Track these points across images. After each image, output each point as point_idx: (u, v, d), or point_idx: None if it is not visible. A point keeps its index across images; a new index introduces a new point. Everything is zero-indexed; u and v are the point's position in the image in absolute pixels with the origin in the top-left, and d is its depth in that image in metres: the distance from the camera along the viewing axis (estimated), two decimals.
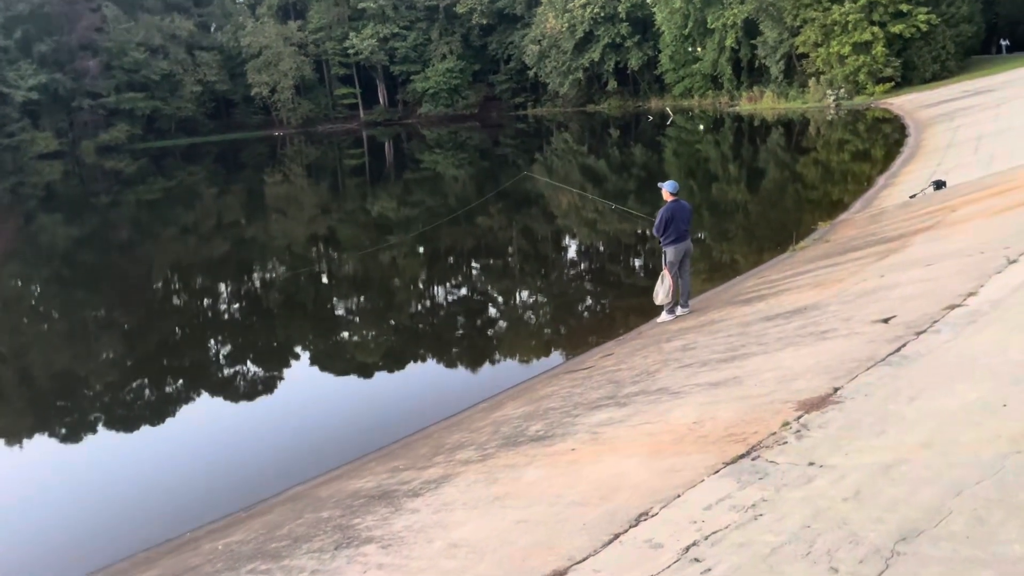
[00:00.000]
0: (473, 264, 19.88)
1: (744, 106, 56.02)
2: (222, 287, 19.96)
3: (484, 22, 74.83)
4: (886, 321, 6.15)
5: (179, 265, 22.67)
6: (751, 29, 56.43)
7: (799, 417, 4.47)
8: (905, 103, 41.00)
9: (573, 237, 22.01)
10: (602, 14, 65.87)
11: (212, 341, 14.99)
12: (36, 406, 12.06)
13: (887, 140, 31.32)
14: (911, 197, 16.01)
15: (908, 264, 8.72)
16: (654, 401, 5.87)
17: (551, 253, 19.96)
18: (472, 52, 77.21)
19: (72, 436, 10.63)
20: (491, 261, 20.02)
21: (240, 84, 73.74)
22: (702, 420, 4.98)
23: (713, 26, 58.23)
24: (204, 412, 11.10)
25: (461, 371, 11.66)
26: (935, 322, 5.68)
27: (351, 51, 74.18)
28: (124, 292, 19.73)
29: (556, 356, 11.39)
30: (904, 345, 5.34)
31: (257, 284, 19.77)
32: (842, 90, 49.28)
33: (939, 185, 15.82)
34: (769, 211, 22.39)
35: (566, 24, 66.58)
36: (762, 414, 4.70)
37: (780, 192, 25.55)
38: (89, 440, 10.40)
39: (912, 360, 5.02)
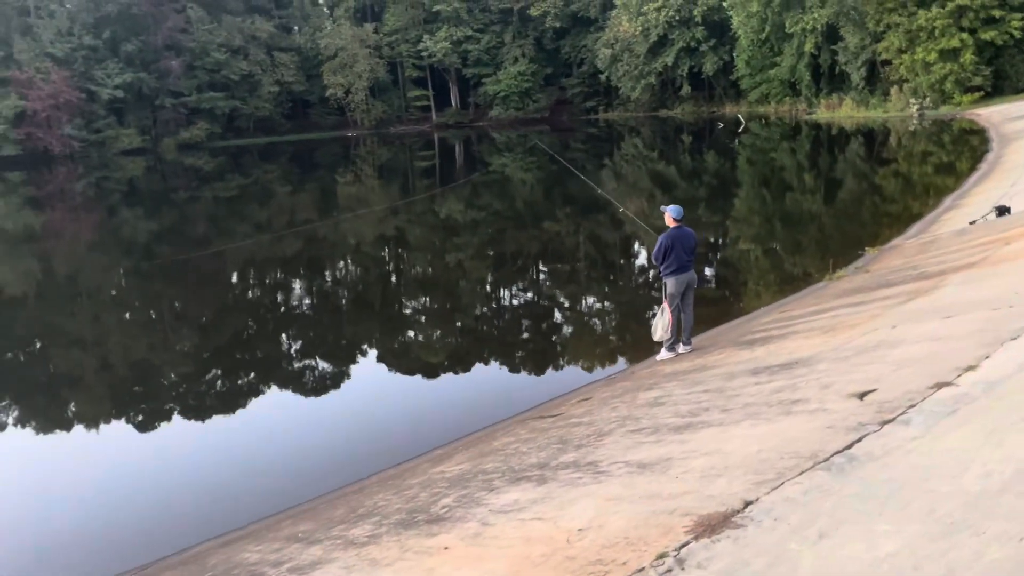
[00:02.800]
0: (475, 274, 19.70)
1: (822, 114, 54.46)
2: (291, 284, 20.26)
3: (557, 25, 74.65)
4: (862, 397, 5.56)
5: (252, 261, 23.14)
6: (831, 34, 54.86)
7: (683, 545, 3.82)
8: (993, 114, 39.18)
9: (612, 248, 21.61)
10: (677, 18, 64.97)
11: (278, 337, 15.19)
12: (113, 393, 12.39)
13: (974, 153, 29.95)
14: (971, 223, 14.61)
15: (928, 313, 8.14)
16: (572, 482, 5.47)
17: (580, 264, 19.61)
18: (544, 55, 77.09)
19: (142, 424, 10.84)
20: (502, 271, 19.80)
21: (316, 85, 75.25)
22: (589, 528, 4.43)
23: (792, 31, 56.81)
24: (260, 409, 11.20)
25: (440, 402, 10.88)
26: (911, 407, 5.02)
27: (425, 53, 74.93)
28: (198, 286, 20.22)
29: (541, 391, 10.23)
30: (860, 440, 4.67)
31: (315, 281, 19.99)
32: (927, 99, 47.46)
33: (1002, 211, 14.19)
34: (837, 226, 21.61)
35: (640, 27, 65.89)
36: (651, 531, 4.13)
37: (856, 204, 24.64)
38: (150, 429, 10.60)
39: (856, 466, 4.34)
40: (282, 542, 6.10)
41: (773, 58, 60.99)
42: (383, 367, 12.69)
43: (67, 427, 11.04)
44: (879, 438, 4.63)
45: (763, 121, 57.44)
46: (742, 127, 54.08)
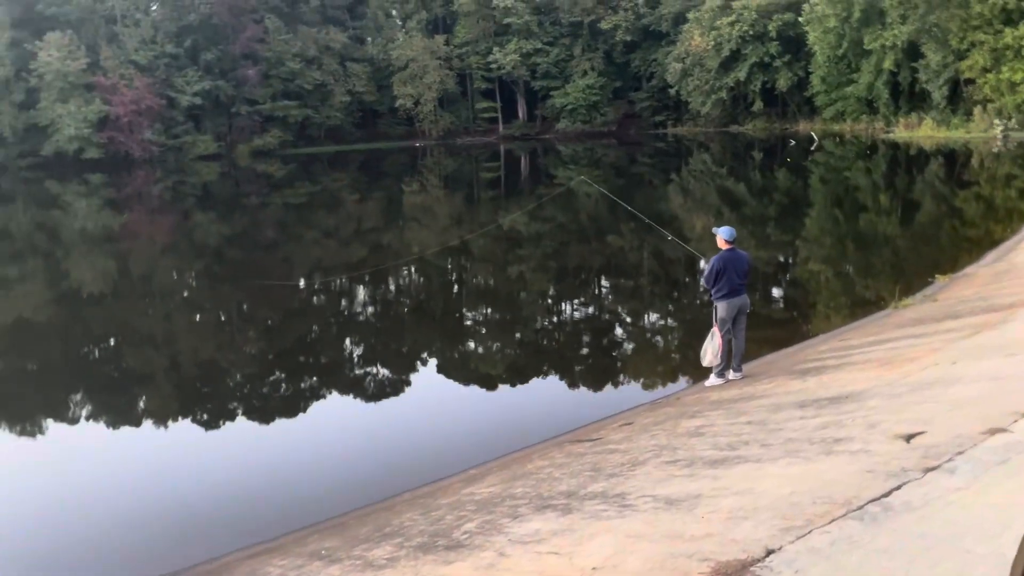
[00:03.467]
0: (534, 288, 19.44)
1: (900, 133, 52.78)
2: (353, 291, 20.44)
3: (628, 39, 74.28)
4: (909, 439, 5.20)
5: (318, 266, 23.47)
6: (912, 51, 53.19)
7: None
8: None
9: (674, 265, 21.10)
10: (751, 32, 63.94)
11: (333, 345, 15.28)
12: (168, 395, 12.61)
13: None
14: None
15: (991, 349, 7.65)
16: (596, 514, 5.24)
17: (639, 282, 19.19)
18: (614, 68, 76.78)
19: (190, 427, 10.97)
20: (562, 287, 19.51)
21: (386, 95, 76.45)
22: (603, 567, 4.22)
23: (870, 47, 55.29)
24: (307, 417, 11.22)
25: (484, 418, 10.69)
26: (959, 453, 4.65)
27: (494, 65, 75.45)
28: (266, 289, 20.56)
29: (584, 411, 9.96)
30: (899, 488, 4.34)
31: (376, 290, 20.11)
32: (1012, 120, 45.56)
33: None
34: (911, 250, 20.79)
35: (712, 42, 65.05)
36: None
37: (933, 228, 23.71)
38: (196, 432, 10.71)
39: (890, 517, 4.02)
40: (305, 559, 6.05)
41: (850, 75, 59.45)
42: (433, 379, 12.62)
43: (114, 426, 11.27)
44: (920, 487, 4.33)
45: (838, 139, 55.98)
46: (815, 145, 52.80)
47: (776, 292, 17.36)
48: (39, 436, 10.95)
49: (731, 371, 9.59)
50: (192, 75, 68.43)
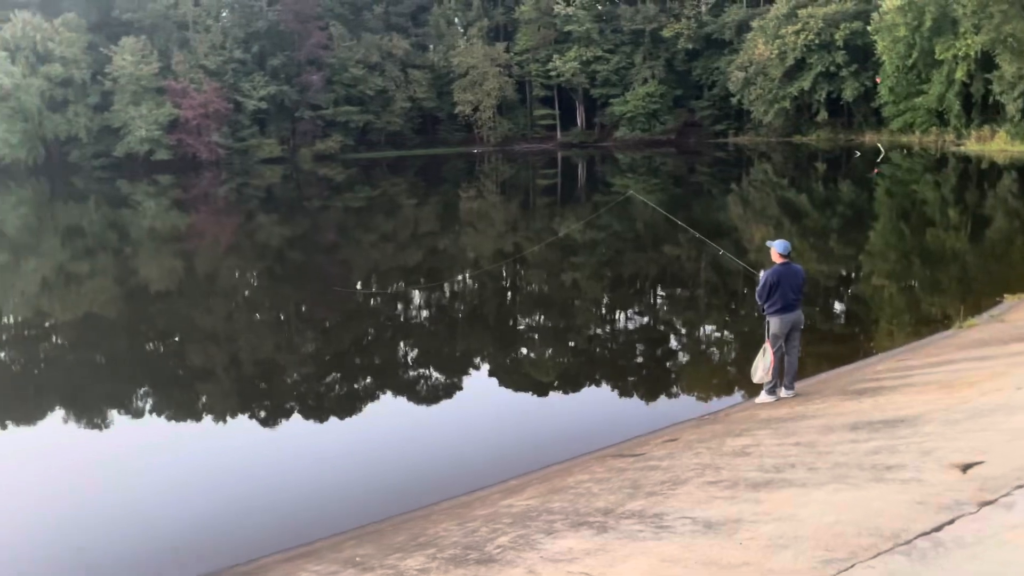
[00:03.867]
0: (591, 298, 19.25)
1: (972, 146, 51.07)
2: (409, 295, 20.64)
3: (690, 47, 73.53)
4: (965, 470, 4.93)
5: (375, 269, 23.79)
6: (986, 62, 51.43)
7: None
8: None
9: (732, 277, 20.73)
10: (817, 41, 62.68)
11: (386, 348, 15.44)
12: (236, 390, 12.91)
13: None
14: None
15: None
16: (632, 535, 5.09)
17: (694, 293, 18.87)
18: (674, 77, 76.08)
19: (240, 425, 11.20)
20: (619, 296, 19.29)
21: (446, 102, 77.18)
22: None
23: (942, 57, 53.66)
24: (355, 420, 11.34)
25: (529, 427, 10.58)
26: (1020, 487, 4.38)
27: (553, 73, 75.50)
28: (324, 291, 20.93)
29: (630, 424, 9.78)
30: (952, 522, 4.10)
31: (431, 294, 20.26)
32: None
33: None
34: (980, 267, 20.05)
35: (776, 51, 63.96)
36: None
37: (1004, 245, 22.83)
38: (246, 431, 10.92)
39: (940, 554, 3.77)
40: (339, 565, 6.07)
41: (920, 85, 57.77)
42: (481, 385, 12.65)
43: (169, 422, 11.55)
44: (974, 522, 4.11)
45: (905, 151, 54.45)
46: (882, 157, 51.46)
47: (835, 307, 16.96)
48: (99, 429, 11.32)
49: (783, 389, 9.37)
50: (258, 80, 70.12)
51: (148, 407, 12.28)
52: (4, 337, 17.69)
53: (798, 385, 9.56)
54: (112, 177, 60.53)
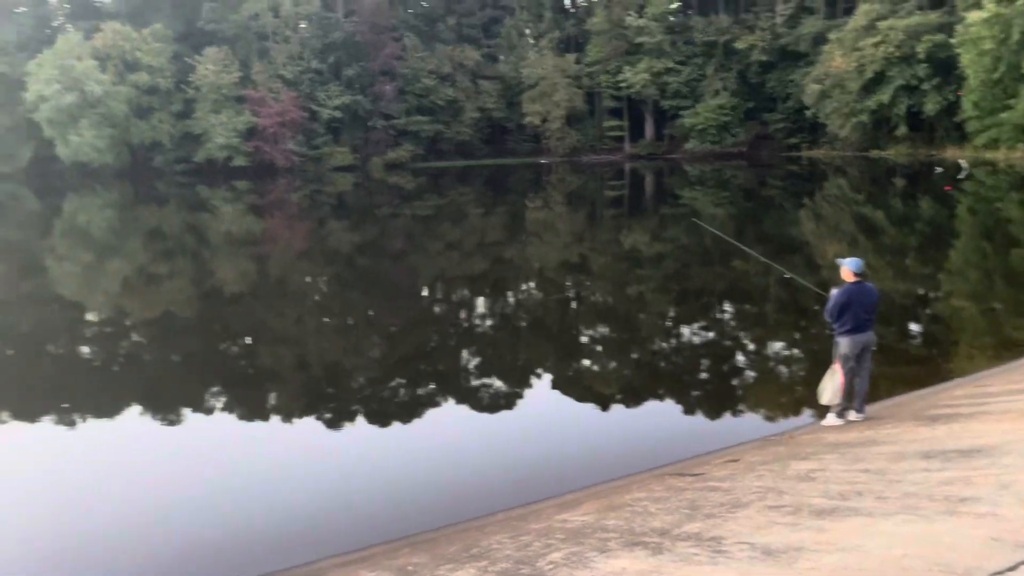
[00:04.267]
0: (659, 310, 18.92)
1: None
2: (473, 303, 20.79)
3: (764, 59, 72.30)
4: None
5: (441, 277, 24.05)
6: None
7: None
8: None
9: (802, 294, 20.17)
10: (897, 54, 60.86)
11: (451, 355, 15.56)
12: (302, 392, 13.20)
13: None
14: None
15: None
16: (687, 558, 4.91)
17: (762, 309, 18.40)
18: (747, 89, 74.90)
19: (321, 423, 11.41)
20: (689, 310, 18.93)
21: (515, 112, 77.62)
22: None
23: None
24: (418, 424, 11.43)
25: (589, 440, 10.47)
26: None
27: (623, 84, 75.20)
28: (391, 297, 21.26)
29: (691, 442, 9.64)
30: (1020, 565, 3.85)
31: (496, 302, 20.32)
32: None
33: None
34: None
35: (854, 63, 62.34)
36: None
37: None
38: (308, 433, 11.11)
39: None
40: (392, 573, 6.09)
41: (1006, 100, 55.44)
42: (543, 396, 12.59)
43: (236, 422, 11.83)
44: None
45: (990, 168, 52.35)
46: (965, 173, 49.57)
47: (911, 327, 16.37)
48: (171, 424, 11.70)
49: (852, 411, 9.08)
50: (334, 90, 71.80)
51: (217, 406, 12.65)
52: (87, 334, 18.48)
53: (869, 408, 9.26)
54: (192, 182, 62.75)
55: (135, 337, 18.20)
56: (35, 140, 68.47)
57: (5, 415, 12.00)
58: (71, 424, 11.69)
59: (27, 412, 12.12)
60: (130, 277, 25.57)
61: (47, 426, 11.56)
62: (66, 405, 12.48)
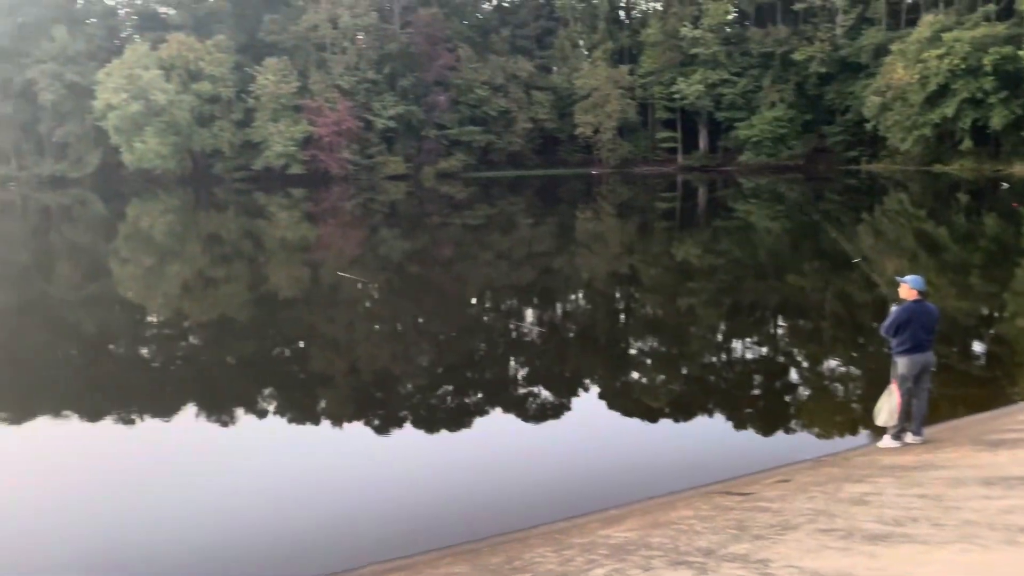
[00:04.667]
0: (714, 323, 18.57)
1: None
2: (522, 311, 20.76)
3: (823, 70, 71.06)
4: None
5: (490, 285, 24.11)
6: None
7: None
8: None
9: (861, 310, 19.66)
10: (962, 66, 59.18)
11: (499, 364, 15.55)
12: (350, 397, 13.34)
13: None
14: None
15: None
16: None
17: (818, 325, 17.95)
18: (805, 101, 73.66)
19: (369, 429, 11.51)
20: (741, 325, 18.55)
21: (567, 123, 77.66)
22: None
23: None
24: (463, 434, 11.43)
25: (634, 454, 10.35)
26: None
27: (677, 96, 74.65)
28: (440, 304, 21.39)
29: (740, 460, 9.43)
30: None
31: (545, 311, 20.27)
32: None
33: None
34: None
35: (917, 75, 60.85)
36: None
37: None
38: (353, 439, 11.19)
39: None
40: None
41: None
42: (589, 408, 12.50)
43: (286, 425, 11.99)
44: None
45: None
46: None
47: (973, 348, 15.83)
48: (224, 425, 11.93)
49: (909, 434, 8.82)
50: (388, 100, 72.80)
51: (268, 409, 12.85)
52: (146, 334, 18.99)
53: (927, 431, 8.97)
54: (250, 189, 64.18)
55: (192, 339, 18.63)
56: (102, 147, 70.96)
57: (68, 412, 12.38)
58: (129, 422, 12.00)
59: (89, 410, 12.49)
60: (189, 280, 26.22)
61: (107, 424, 11.89)
62: (125, 404, 12.82)
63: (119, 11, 79.49)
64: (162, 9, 78.64)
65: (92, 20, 76.93)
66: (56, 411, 12.43)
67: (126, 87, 64.56)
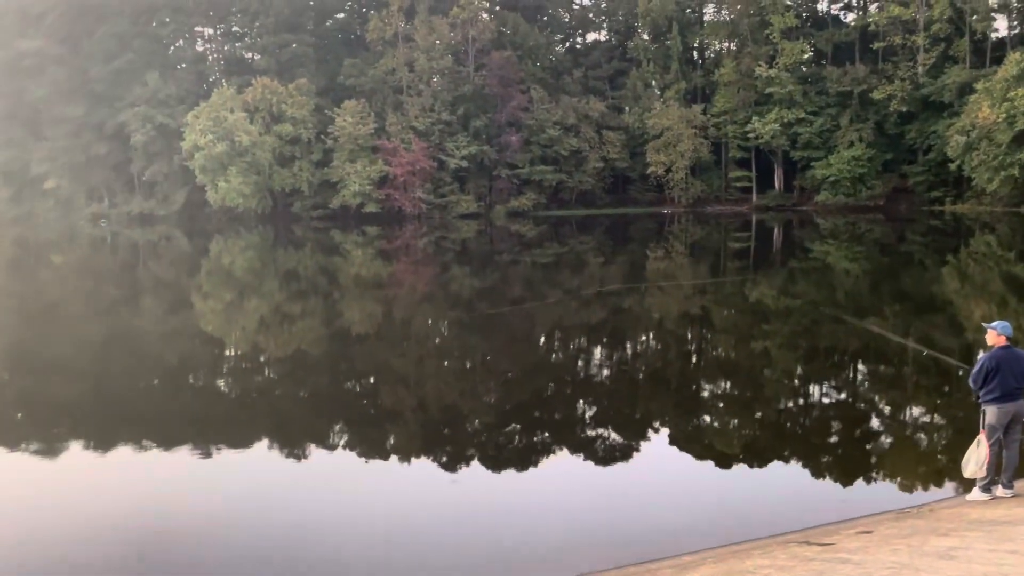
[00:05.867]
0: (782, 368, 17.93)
1: None
2: (591, 350, 20.62)
3: (903, 109, 69.30)
4: None
5: (559, 324, 24.05)
6: None
7: None
8: None
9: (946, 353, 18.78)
10: None
11: (565, 402, 15.42)
12: (424, 433, 13.42)
13: None
14: None
15: None
16: None
17: (901, 370, 17.18)
18: (885, 140, 71.83)
19: (443, 465, 11.52)
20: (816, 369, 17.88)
21: (639, 162, 77.54)
22: None
23: None
24: (526, 473, 11.30)
25: (708, 498, 10.12)
26: None
27: (751, 135, 73.81)
28: (508, 343, 21.41)
29: (820, 509, 9.18)
30: None
31: (614, 350, 20.05)
32: None
33: None
34: None
35: (1004, 114, 58.77)
36: None
37: None
38: (438, 470, 11.18)
39: None
40: None
41: None
42: (658, 450, 12.28)
43: (353, 458, 12.10)
44: None
45: None
46: None
47: None
48: (298, 459, 12.12)
49: (999, 487, 8.39)
50: (462, 140, 74.14)
51: (338, 443, 13.02)
52: (225, 368, 19.56)
53: (1018, 484, 8.50)
54: (327, 227, 65.95)
55: (268, 373, 19.09)
56: (189, 186, 74.19)
57: (147, 442, 12.79)
58: (207, 454, 12.32)
59: (166, 439, 12.88)
60: (266, 316, 26.98)
61: (182, 454, 12.23)
62: (202, 434, 13.18)
63: (208, 57, 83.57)
64: (248, 54, 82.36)
65: (182, 65, 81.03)
66: (136, 439, 12.86)
67: (212, 129, 67.53)
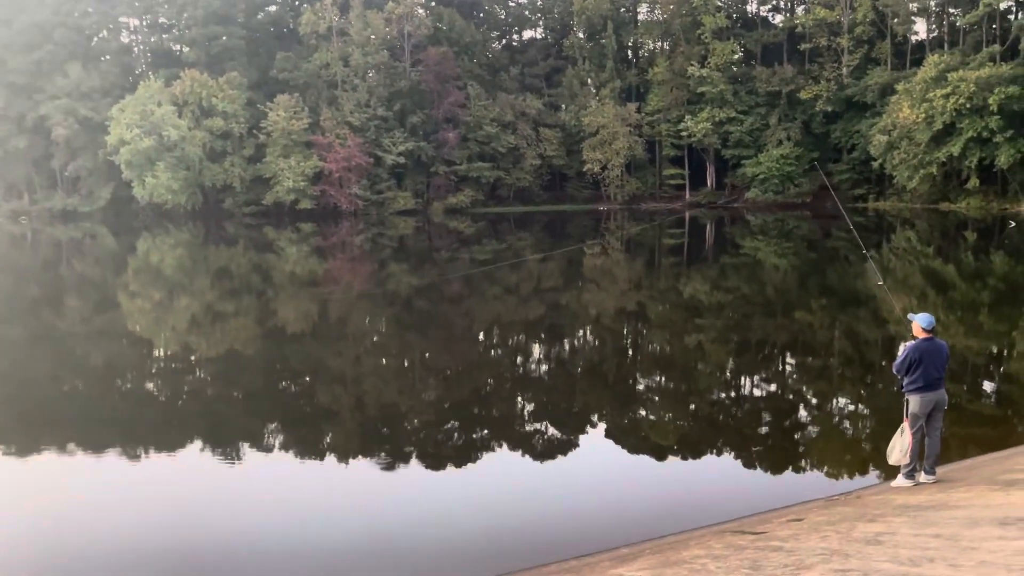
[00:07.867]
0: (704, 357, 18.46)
1: None
2: (529, 347, 20.73)
3: (829, 109, 71.58)
4: None
5: (497, 321, 24.09)
6: None
7: None
8: None
9: (869, 347, 19.54)
10: (968, 105, 59.48)
11: (503, 399, 15.47)
12: (359, 432, 13.27)
13: None
14: None
15: None
16: None
17: (826, 363, 17.85)
18: (811, 139, 74.10)
19: (381, 465, 11.42)
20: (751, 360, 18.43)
21: (575, 160, 78.22)
22: None
23: None
24: (466, 471, 11.32)
25: (643, 492, 10.28)
26: None
27: (684, 133, 75.23)
28: (447, 340, 21.36)
29: (751, 499, 9.40)
30: None
31: (552, 347, 20.20)
32: None
33: None
34: None
35: (923, 114, 61.18)
36: None
37: None
38: (373, 470, 11.10)
39: None
40: None
41: None
42: (595, 445, 12.41)
43: (291, 459, 11.93)
44: None
45: None
46: None
47: (984, 386, 15.71)
48: (230, 461, 11.86)
49: (922, 473, 8.72)
50: (398, 136, 73.52)
51: (274, 443, 12.79)
52: (154, 369, 19.00)
53: (940, 470, 8.86)
54: (259, 223, 64.62)
55: (199, 373, 18.62)
56: (114, 182, 71.70)
57: (72, 446, 12.34)
58: (135, 457, 11.95)
59: (93, 443, 12.45)
60: (197, 314, 26.29)
61: (111, 458, 11.84)
62: (130, 438, 12.78)
63: (134, 48, 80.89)
64: (176, 46, 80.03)
65: (106, 57, 78.28)
66: (61, 444, 12.40)
67: (139, 123, 65.42)
